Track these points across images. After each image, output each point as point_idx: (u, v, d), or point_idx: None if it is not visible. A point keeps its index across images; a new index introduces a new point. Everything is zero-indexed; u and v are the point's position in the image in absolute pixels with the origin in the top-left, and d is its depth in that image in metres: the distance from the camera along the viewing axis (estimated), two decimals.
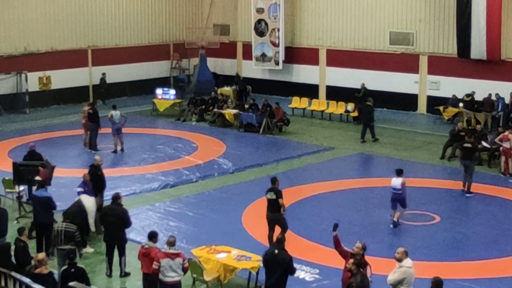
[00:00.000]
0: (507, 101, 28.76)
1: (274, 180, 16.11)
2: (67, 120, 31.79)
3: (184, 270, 12.70)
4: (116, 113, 25.60)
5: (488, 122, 28.83)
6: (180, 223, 18.19)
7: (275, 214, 15.74)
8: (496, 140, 23.15)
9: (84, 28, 35.70)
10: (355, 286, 11.15)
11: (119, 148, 25.67)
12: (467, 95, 29.53)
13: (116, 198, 15.13)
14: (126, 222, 14.89)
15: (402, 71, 32.87)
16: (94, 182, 17.43)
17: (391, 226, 17.74)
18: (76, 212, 15.98)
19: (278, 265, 12.25)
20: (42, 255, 12.60)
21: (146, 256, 13.02)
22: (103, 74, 35.76)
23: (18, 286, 12.14)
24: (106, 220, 15.01)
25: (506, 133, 22.82)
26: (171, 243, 12.67)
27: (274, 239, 12.66)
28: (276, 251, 12.40)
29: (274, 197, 15.67)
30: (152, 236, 13.21)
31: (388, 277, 11.78)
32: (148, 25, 38.43)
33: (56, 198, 16.55)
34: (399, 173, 17.76)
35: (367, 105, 27.75)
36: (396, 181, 17.63)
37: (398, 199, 17.66)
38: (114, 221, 14.76)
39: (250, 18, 37.43)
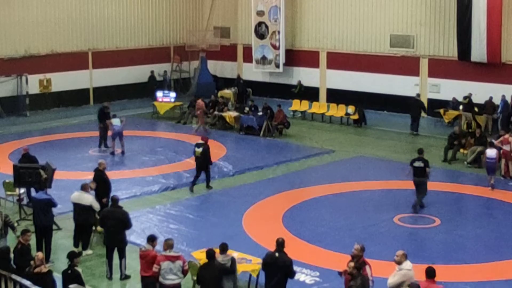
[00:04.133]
0: (509, 102, 28.77)
1: (421, 151, 19.77)
2: (67, 122, 31.82)
3: (184, 273, 12.71)
4: (115, 121, 25.66)
5: (489, 125, 28.83)
6: (180, 225, 18.19)
7: (421, 179, 19.07)
8: (496, 142, 23.14)
9: (85, 31, 35.72)
10: None
11: (119, 150, 25.72)
12: (464, 97, 29.55)
13: (116, 200, 15.16)
14: (127, 224, 14.90)
15: (403, 74, 32.88)
16: (100, 186, 17.46)
17: (490, 189, 21.17)
18: (85, 214, 16.06)
19: (279, 268, 12.27)
20: (42, 254, 12.70)
21: (143, 258, 13.05)
22: (152, 71, 36.95)
23: None
24: (106, 223, 14.99)
25: (506, 136, 22.82)
26: (170, 246, 12.68)
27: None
28: (277, 254, 12.41)
29: (422, 165, 19.00)
30: (150, 239, 13.24)
31: (388, 280, 11.78)
32: (149, 28, 38.46)
33: (56, 200, 16.55)
34: (491, 145, 21.87)
35: (417, 100, 29.74)
36: (491, 152, 21.34)
37: (492, 167, 21.20)
38: (115, 223, 14.76)
39: (251, 20, 37.46)
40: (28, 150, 20.03)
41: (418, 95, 30.69)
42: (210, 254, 12.46)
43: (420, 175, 19.08)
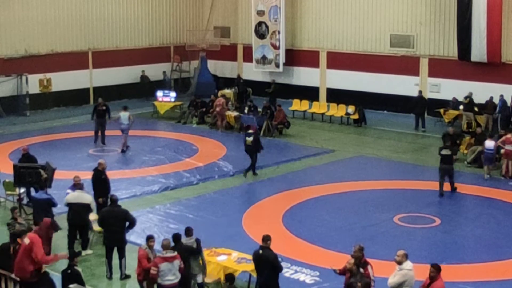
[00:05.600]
0: (508, 103, 28.75)
1: (446, 140, 22.06)
2: (67, 122, 31.83)
3: (181, 271, 12.69)
4: (124, 114, 25.72)
5: (489, 125, 28.81)
6: (180, 225, 18.11)
7: (449, 166, 20.50)
8: (498, 142, 23.13)
9: (85, 30, 35.70)
10: (355, 286, 11.15)
11: (119, 150, 25.76)
12: (465, 97, 29.53)
13: (115, 200, 15.17)
14: (131, 220, 14.95)
15: (403, 73, 32.87)
16: (98, 186, 17.46)
17: (488, 178, 22.30)
18: (84, 213, 16.06)
19: (265, 264, 12.41)
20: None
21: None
22: (143, 71, 36.91)
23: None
24: (106, 222, 14.98)
25: (509, 135, 22.79)
26: (167, 246, 12.66)
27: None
28: (261, 251, 12.52)
29: (449, 153, 20.51)
30: (146, 239, 13.32)
31: (388, 280, 11.78)
32: (149, 28, 38.44)
33: (57, 200, 16.56)
34: (491, 136, 23.19)
35: (421, 97, 30.51)
36: (489, 143, 22.37)
37: (490, 158, 22.34)
38: (115, 222, 14.75)
39: (251, 20, 37.44)
40: (28, 150, 20.05)
41: (421, 92, 30.83)
42: (176, 237, 13.18)
43: (446, 162, 20.48)
